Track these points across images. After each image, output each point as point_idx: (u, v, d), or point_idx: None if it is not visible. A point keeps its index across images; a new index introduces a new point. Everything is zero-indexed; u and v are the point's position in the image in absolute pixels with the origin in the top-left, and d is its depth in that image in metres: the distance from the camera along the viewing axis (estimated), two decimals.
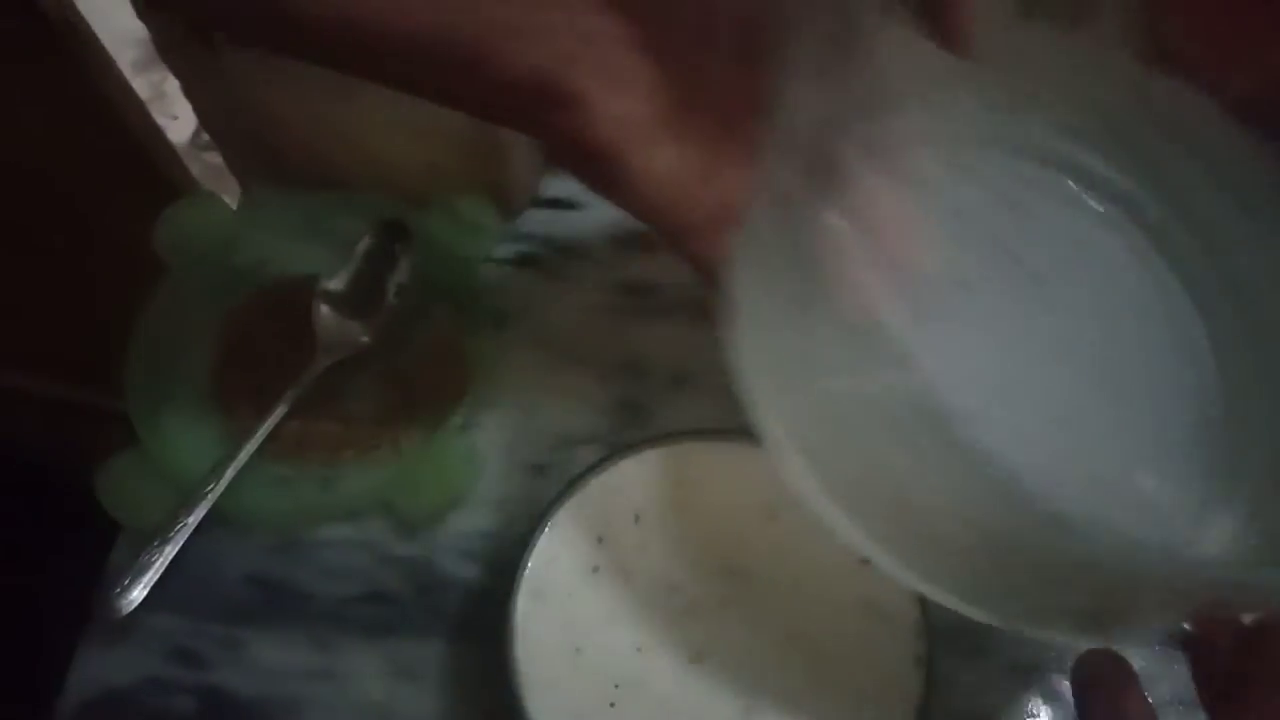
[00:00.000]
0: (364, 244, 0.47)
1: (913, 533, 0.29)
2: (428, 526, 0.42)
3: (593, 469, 0.38)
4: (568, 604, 0.36)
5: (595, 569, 0.36)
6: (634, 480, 0.38)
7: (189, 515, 0.41)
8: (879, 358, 0.27)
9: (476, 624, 0.40)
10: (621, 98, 0.29)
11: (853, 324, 0.27)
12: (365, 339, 0.46)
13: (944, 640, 0.39)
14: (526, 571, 0.36)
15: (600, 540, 0.37)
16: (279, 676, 0.40)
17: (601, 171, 0.29)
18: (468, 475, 0.43)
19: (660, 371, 0.46)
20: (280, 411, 0.44)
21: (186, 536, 0.40)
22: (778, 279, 0.29)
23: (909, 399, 0.26)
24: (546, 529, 0.37)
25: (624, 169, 0.29)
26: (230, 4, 0.31)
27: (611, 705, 0.34)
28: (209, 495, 0.41)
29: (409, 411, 0.45)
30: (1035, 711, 0.39)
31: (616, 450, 0.38)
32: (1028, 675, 0.40)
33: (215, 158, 0.55)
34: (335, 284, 0.46)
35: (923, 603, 0.35)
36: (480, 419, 0.45)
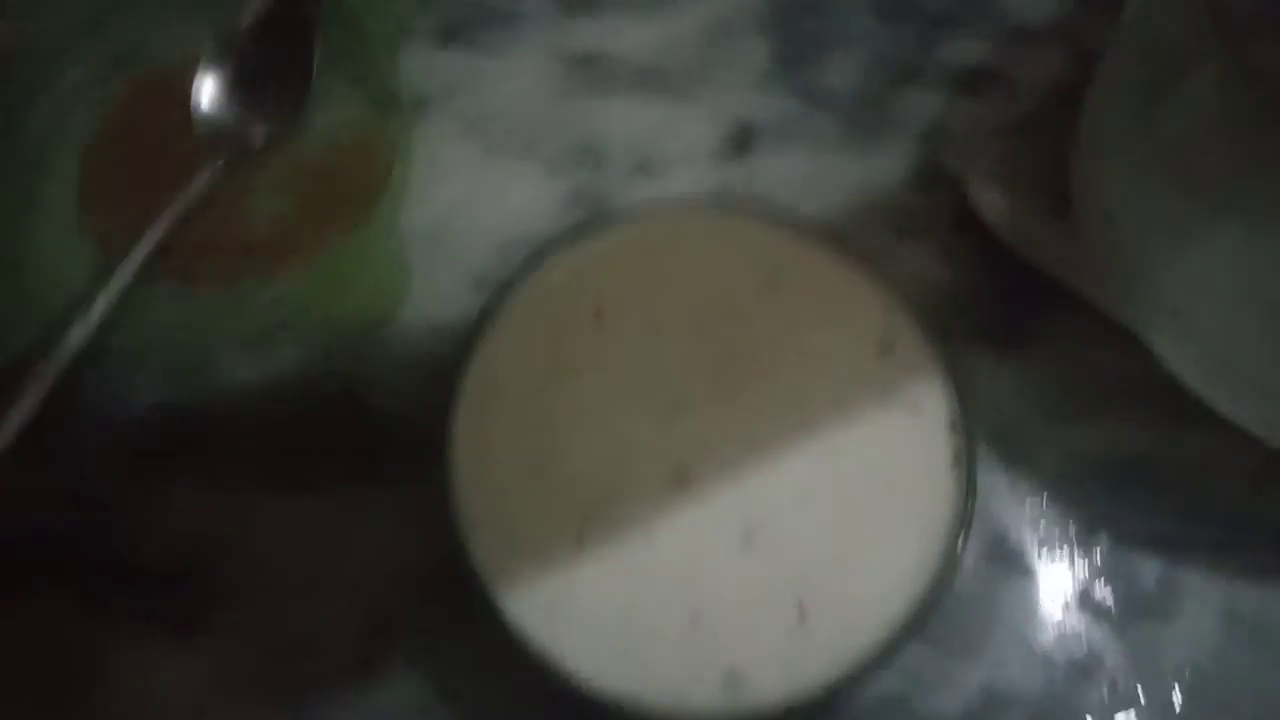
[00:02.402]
0: (252, 15, 0.38)
1: None
2: (352, 347, 0.35)
3: (540, 256, 0.30)
4: (520, 424, 0.29)
5: (551, 376, 0.29)
6: (593, 268, 0.30)
7: (58, 346, 0.33)
8: None
9: (416, 459, 0.33)
10: None
11: None
12: (261, 131, 0.37)
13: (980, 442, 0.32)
14: (465, 388, 0.29)
15: (556, 341, 0.29)
16: (197, 535, 0.33)
17: None
18: (394, 282, 0.35)
19: (620, 156, 0.38)
20: (164, 222, 0.36)
21: (58, 371, 0.33)
22: None
23: None
24: (487, 336, 0.29)
25: None
26: None
27: (579, 539, 0.27)
28: (79, 323, 0.33)
29: (320, 215, 0.37)
30: (1071, 536, 0.33)
31: (568, 233, 0.30)
32: (1064, 488, 0.34)
33: None
34: (220, 67, 0.37)
35: (958, 394, 0.28)
36: (406, 224, 0.37)
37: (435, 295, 0.36)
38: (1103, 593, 0.32)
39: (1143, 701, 0.31)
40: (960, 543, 0.27)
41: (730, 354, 0.29)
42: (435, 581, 0.31)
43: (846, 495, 0.28)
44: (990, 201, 0.36)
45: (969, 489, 0.27)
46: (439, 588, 0.31)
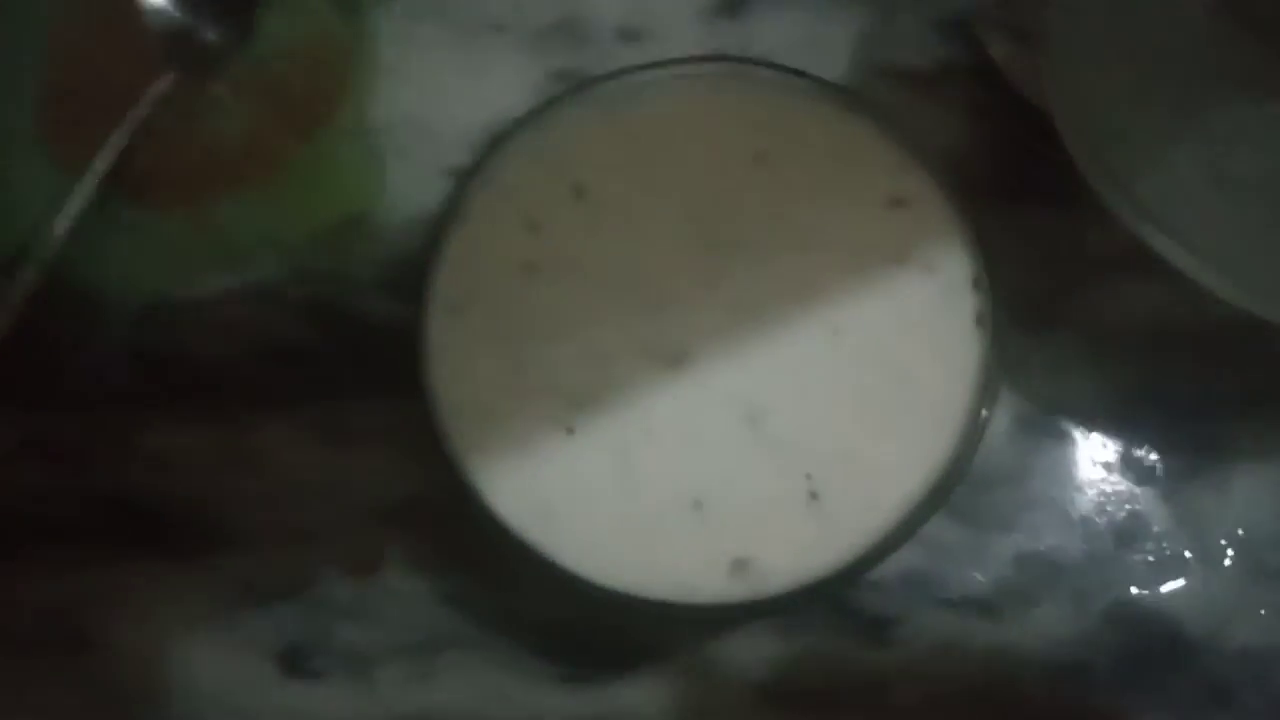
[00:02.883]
0: None
1: None
2: (330, 254, 0.33)
3: (508, 135, 0.28)
4: (499, 316, 0.27)
5: (530, 266, 0.27)
6: (569, 142, 0.28)
7: (10, 283, 0.31)
8: None
9: (401, 361, 0.32)
10: None
11: None
12: (213, 37, 0.35)
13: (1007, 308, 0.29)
14: (438, 282, 0.27)
15: (533, 228, 0.27)
16: (183, 468, 0.31)
17: None
18: (368, 182, 0.33)
19: (604, 28, 0.35)
20: (119, 142, 0.34)
21: (13, 311, 0.31)
22: None
23: None
24: (457, 226, 0.27)
25: None
26: None
27: (570, 431, 0.25)
28: (33, 256, 0.32)
29: (285, 121, 0.35)
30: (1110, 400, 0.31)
31: (542, 108, 0.28)
32: (1102, 351, 0.31)
33: None
34: None
35: (980, 250, 0.26)
36: (379, 119, 0.35)
37: (413, 190, 0.34)
38: (1146, 457, 0.30)
39: (1192, 565, 0.29)
40: (985, 407, 0.24)
41: (727, 225, 0.27)
42: (428, 486, 0.30)
43: (858, 365, 0.25)
44: (1007, 52, 0.33)
45: (993, 347, 0.25)
46: (432, 492, 0.30)
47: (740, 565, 0.24)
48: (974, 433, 0.24)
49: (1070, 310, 0.32)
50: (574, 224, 0.27)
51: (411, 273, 0.33)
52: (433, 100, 0.35)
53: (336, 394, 0.32)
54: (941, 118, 0.34)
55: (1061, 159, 0.32)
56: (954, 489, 0.24)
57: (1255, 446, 0.30)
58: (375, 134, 0.34)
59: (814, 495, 0.24)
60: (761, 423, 0.25)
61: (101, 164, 0.33)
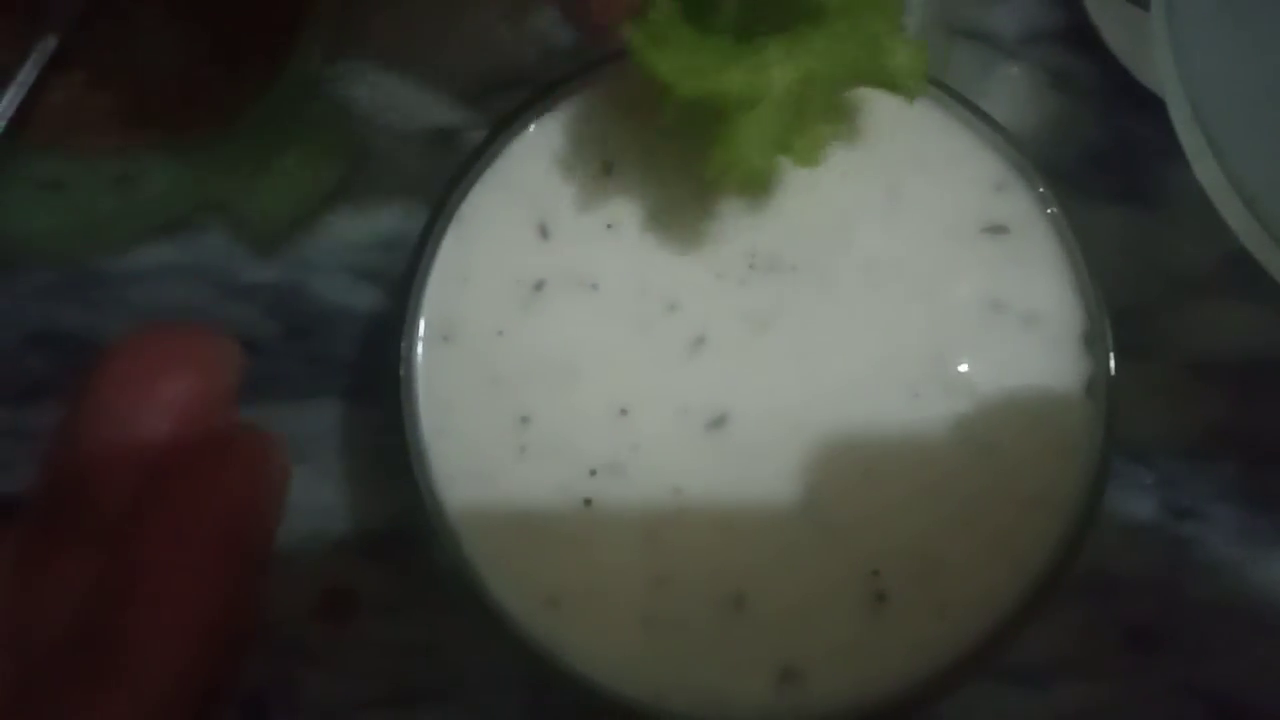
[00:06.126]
0: None
1: None
2: (287, 236, 0.28)
3: (522, 114, 0.22)
4: (499, 348, 0.21)
5: (539, 284, 0.22)
6: (590, 124, 0.22)
7: None
8: None
9: (380, 373, 0.27)
10: None
11: None
12: None
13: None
14: (425, 299, 0.21)
15: (545, 233, 0.22)
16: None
17: None
18: (336, 152, 0.27)
19: None
20: (27, 76, 0.27)
21: None
22: None
23: None
24: (452, 226, 0.22)
25: None
26: None
27: (587, 503, 0.21)
28: None
29: (233, 60, 0.28)
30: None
31: (566, 78, 0.22)
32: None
33: None
34: None
35: (1096, 296, 0.21)
36: (349, 68, 0.29)
37: (394, 152, 0.28)
38: (1226, 512, 0.26)
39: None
40: (1094, 499, 0.20)
41: (778, 241, 0.22)
42: (401, 513, 0.25)
43: (939, 437, 0.21)
44: (1111, 16, 0.28)
45: (1108, 424, 0.20)
46: (406, 521, 0.25)
47: (788, 677, 0.20)
48: (1080, 530, 0.20)
49: (1150, 332, 0.27)
50: (598, 230, 0.22)
51: (386, 256, 0.28)
52: (410, 48, 0.29)
53: (292, 396, 0.27)
54: (1028, 87, 0.29)
55: (1164, 151, 0.27)
56: (1053, 598, 0.20)
57: None
58: (346, 86, 0.28)
59: (880, 597, 0.20)
60: (818, 500, 0.20)
61: (7, 103, 0.27)
